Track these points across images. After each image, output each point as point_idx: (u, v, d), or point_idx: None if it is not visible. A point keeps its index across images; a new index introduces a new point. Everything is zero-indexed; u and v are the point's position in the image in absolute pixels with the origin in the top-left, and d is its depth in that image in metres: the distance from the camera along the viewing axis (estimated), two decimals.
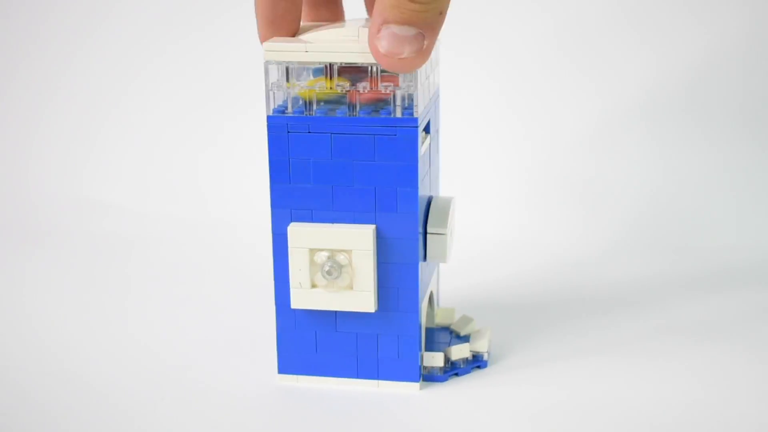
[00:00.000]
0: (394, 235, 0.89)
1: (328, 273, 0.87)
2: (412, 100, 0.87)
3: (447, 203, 0.93)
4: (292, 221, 0.90)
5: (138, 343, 1.01)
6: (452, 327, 1.01)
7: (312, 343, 0.92)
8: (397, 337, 0.92)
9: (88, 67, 1.54)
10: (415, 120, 0.88)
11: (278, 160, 0.88)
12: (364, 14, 0.98)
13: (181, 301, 1.12)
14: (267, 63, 0.85)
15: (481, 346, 0.95)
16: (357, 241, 0.87)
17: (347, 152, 0.88)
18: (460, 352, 0.94)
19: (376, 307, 0.91)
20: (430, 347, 0.96)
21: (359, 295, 0.88)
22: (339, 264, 0.87)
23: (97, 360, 0.97)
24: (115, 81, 1.54)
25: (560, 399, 0.89)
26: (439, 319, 1.02)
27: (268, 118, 0.86)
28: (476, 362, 0.95)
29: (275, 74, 0.87)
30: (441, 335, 1.00)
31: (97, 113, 1.53)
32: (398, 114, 0.88)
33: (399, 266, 0.90)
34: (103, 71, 1.54)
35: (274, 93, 0.86)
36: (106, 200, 1.43)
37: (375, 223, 0.89)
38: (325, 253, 0.87)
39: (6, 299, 1.11)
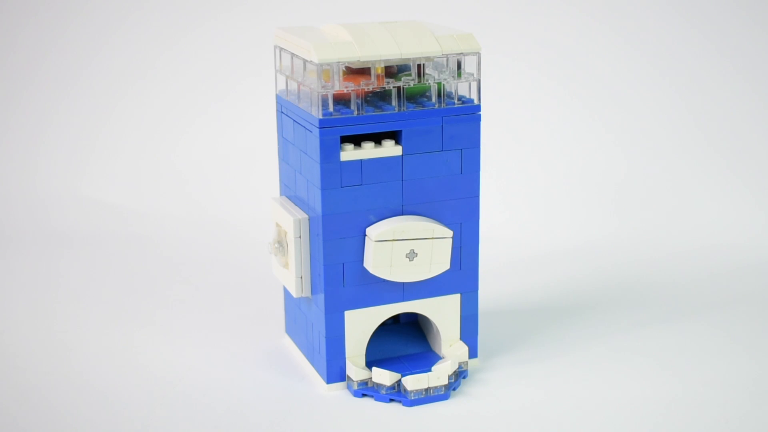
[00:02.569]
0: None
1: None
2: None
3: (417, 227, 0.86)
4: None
5: (139, 346, 0.98)
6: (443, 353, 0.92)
7: None
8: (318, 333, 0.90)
9: (92, 69, 1.52)
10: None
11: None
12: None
13: (184, 301, 1.08)
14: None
15: (442, 373, 0.87)
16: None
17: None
18: (416, 382, 0.86)
19: None
20: (410, 370, 0.89)
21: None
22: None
23: (97, 361, 0.95)
24: (115, 82, 1.51)
25: (551, 398, 0.88)
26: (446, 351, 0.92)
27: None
28: (459, 378, 0.89)
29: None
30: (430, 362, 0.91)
31: (99, 114, 1.50)
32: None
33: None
34: (106, 75, 1.52)
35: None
36: (106, 199, 1.38)
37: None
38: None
39: (7, 298, 1.11)
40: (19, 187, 1.42)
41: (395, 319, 0.94)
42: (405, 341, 0.93)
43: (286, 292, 0.95)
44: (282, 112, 0.91)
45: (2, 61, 1.53)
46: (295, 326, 0.94)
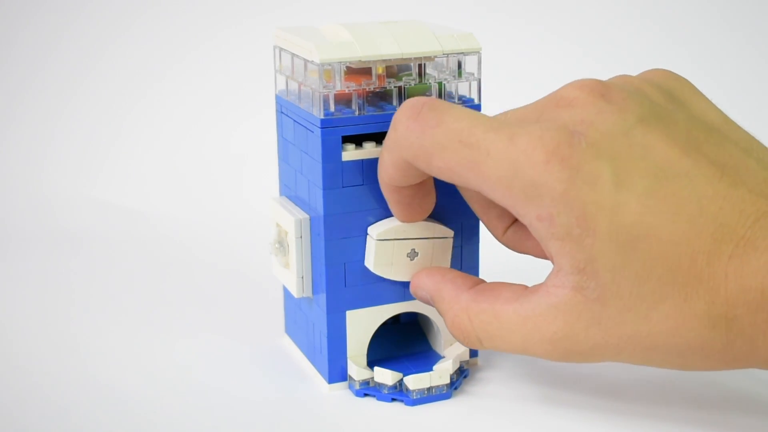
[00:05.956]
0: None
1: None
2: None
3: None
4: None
5: (138, 345, 0.98)
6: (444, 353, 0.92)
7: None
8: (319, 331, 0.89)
9: (98, 73, 1.55)
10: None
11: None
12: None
13: (184, 301, 1.08)
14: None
15: (444, 372, 0.87)
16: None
17: None
18: (419, 381, 0.86)
19: None
20: (411, 369, 0.88)
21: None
22: None
23: (98, 361, 0.95)
24: (117, 84, 1.53)
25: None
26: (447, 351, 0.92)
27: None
28: (460, 376, 0.89)
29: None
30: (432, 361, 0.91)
31: (100, 116, 1.52)
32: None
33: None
34: (107, 78, 1.54)
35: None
36: (106, 199, 1.39)
37: None
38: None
39: (10, 297, 1.11)
40: (23, 188, 1.42)
41: (395, 319, 0.94)
42: (405, 341, 0.93)
43: (286, 292, 0.95)
44: (282, 113, 0.91)
45: (8, 64, 1.54)
46: (295, 326, 0.94)
